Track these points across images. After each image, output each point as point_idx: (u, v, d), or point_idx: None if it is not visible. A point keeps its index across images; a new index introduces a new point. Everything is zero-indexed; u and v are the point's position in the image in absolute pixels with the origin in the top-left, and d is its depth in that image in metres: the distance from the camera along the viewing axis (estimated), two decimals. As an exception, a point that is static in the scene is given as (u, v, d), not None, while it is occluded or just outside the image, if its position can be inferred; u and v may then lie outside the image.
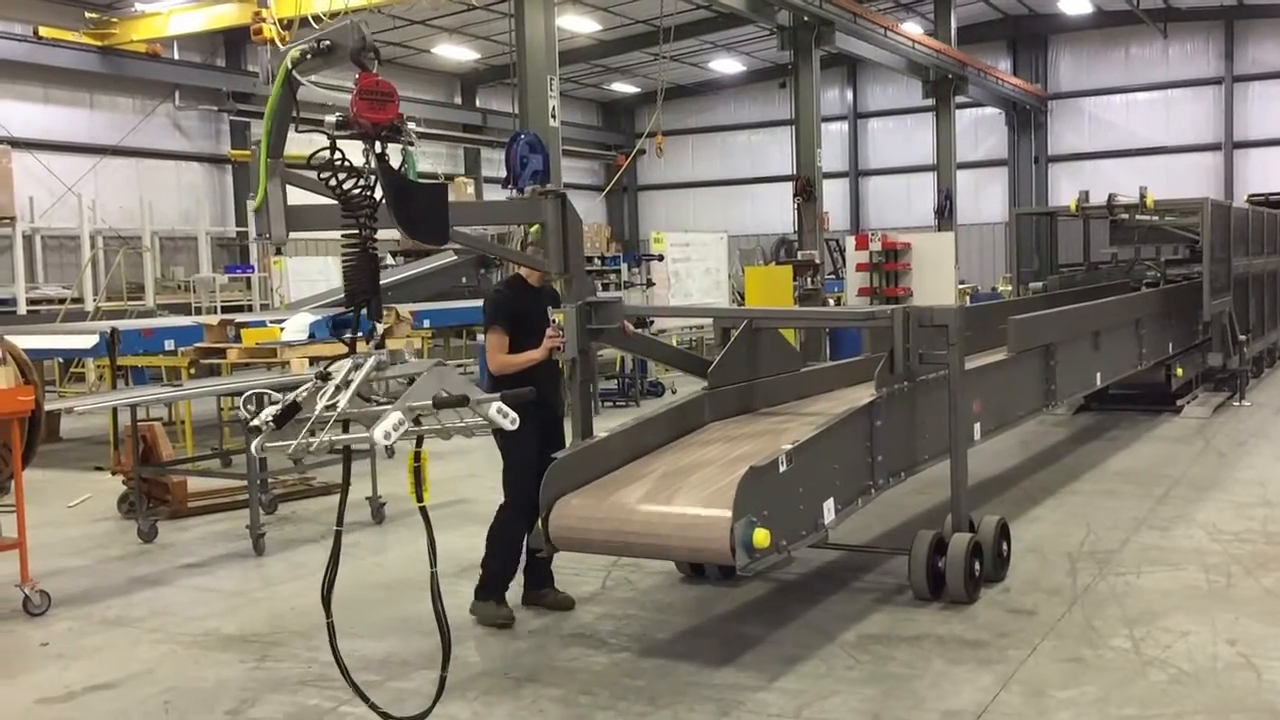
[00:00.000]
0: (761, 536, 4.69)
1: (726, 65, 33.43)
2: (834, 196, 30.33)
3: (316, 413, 3.91)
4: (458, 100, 32.13)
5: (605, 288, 21.91)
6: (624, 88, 35.39)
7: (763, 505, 4.83)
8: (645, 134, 25.49)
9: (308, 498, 9.16)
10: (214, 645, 5.80)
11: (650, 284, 17.56)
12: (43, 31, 20.66)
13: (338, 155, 4.01)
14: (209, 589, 6.89)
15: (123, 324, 12.72)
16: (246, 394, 4.25)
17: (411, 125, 4.29)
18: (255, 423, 4.04)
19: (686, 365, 7.33)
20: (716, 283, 18.37)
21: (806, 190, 21.16)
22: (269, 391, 4.12)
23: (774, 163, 33.73)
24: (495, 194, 27.85)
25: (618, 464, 5.74)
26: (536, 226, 5.95)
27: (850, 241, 21.11)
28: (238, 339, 12.33)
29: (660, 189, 37.38)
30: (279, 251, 20.20)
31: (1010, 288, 17.13)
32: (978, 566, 6.06)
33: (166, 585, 7.01)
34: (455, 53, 29.16)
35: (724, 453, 5.90)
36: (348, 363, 4.05)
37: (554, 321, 5.97)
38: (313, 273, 21.39)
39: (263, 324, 13.17)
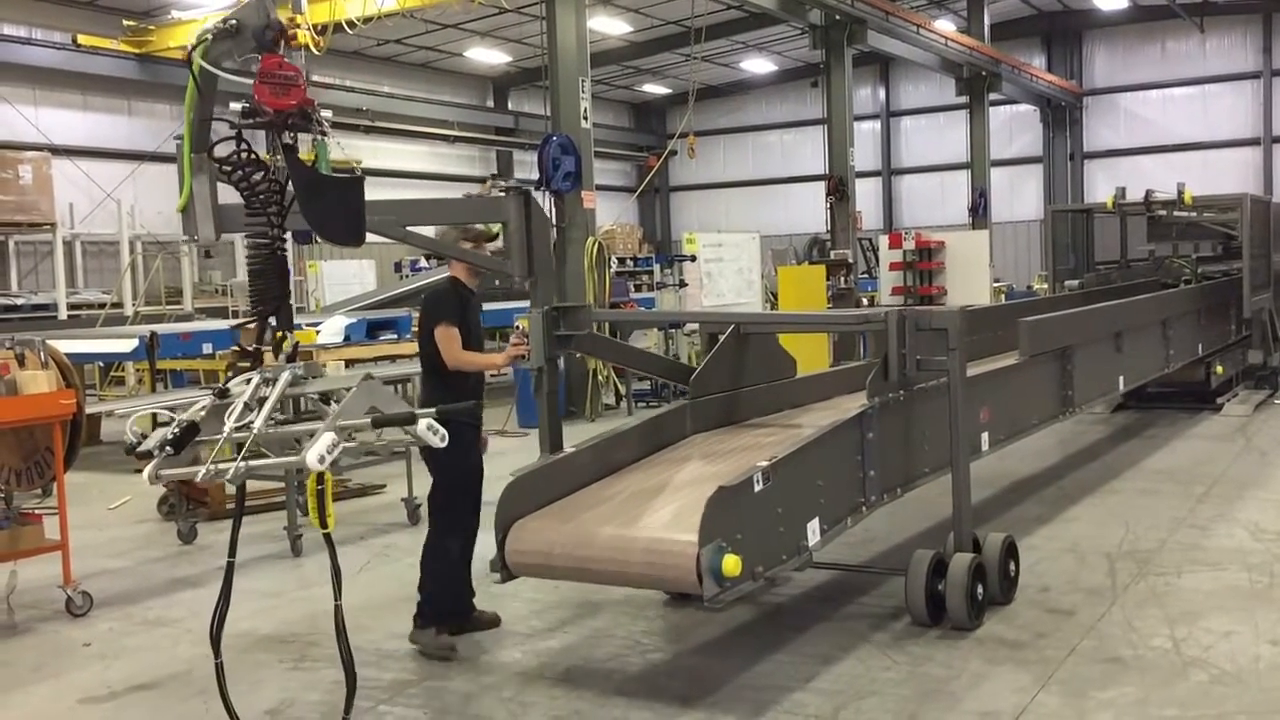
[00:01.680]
0: (732, 563, 4.29)
1: (758, 65, 33.34)
2: (867, 195, 30.18)
3: (225, 433, 3.58)
4: (490, 103, 32.23)
5: (638, 289, 21.93)
6: (655, 89, 35.38)
7: (735, 528, 4.44)
8: (677, 135, 25.45)
9: (344, 499, 9.23)
10: (252, 646, 5.85)
11: (683, 284, 17.53)
12: (81, 39, 20.90)
13: (242, 147, 3.66)
14: (247, 590, 6.93)
15: (162, 328, 12.86)
16: (135, 415, 3.96)
17: (326, 114, 3.96)
18: (146, 446, 3.70)
19: (669, 373, 6.91)
20: (749, 283, 18.31)
21: (839, 189, 21.06)
22: (161, 411, 3.88)
23: (806, 162, 33.61)
24: (528, 196, 27.91)
25: (584, 482, 5.39)
26: (499, 226, 5.62)
27: (884, 241, 21.02)
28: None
29: (692, 189, 37.34)
30: (308, 239, 20.25)
31: (1046, 286, 16.98)
32: (981, 589, 5.62)
33: (206, 586, 7.07)
34: (487, 56, 29.26)
35: (700, 470, 5.50)
36: (254, 378, 3.71)
37: (518, 328, 5.65)
38: (348, 276, 21.56)
39: (299, 327, 13.29)
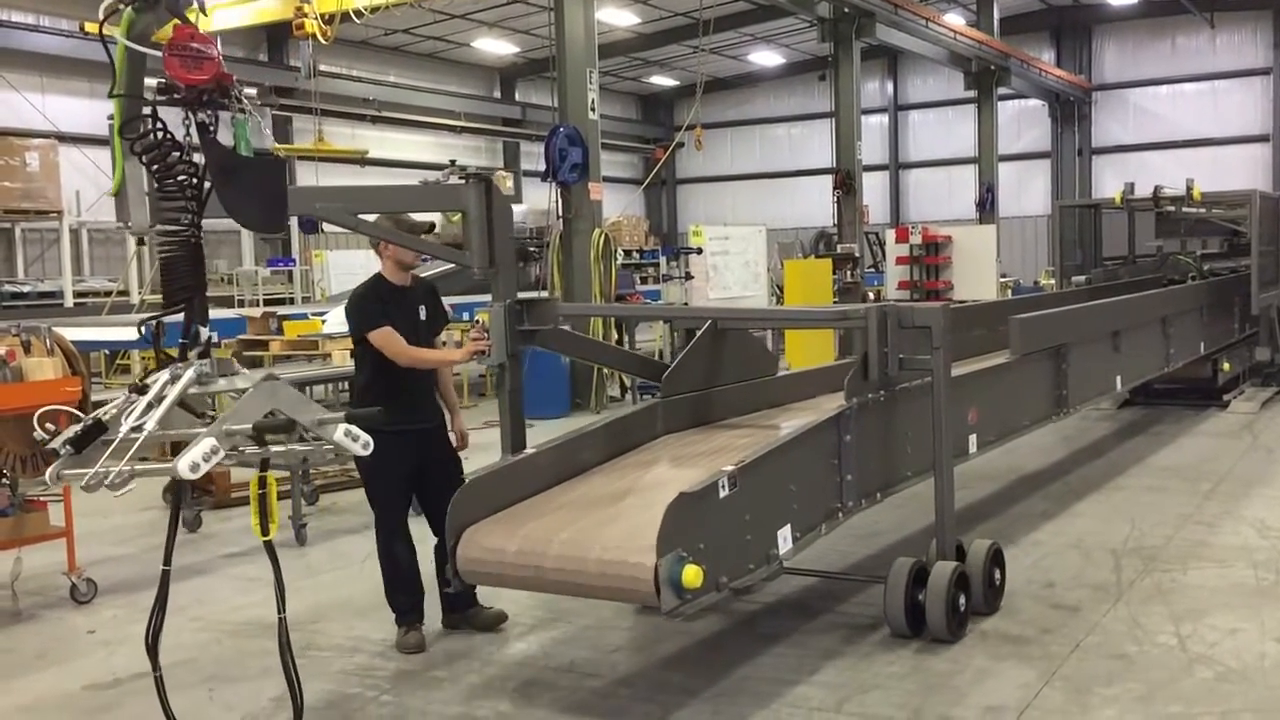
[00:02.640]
0: (692, 574, 4.06)
1: (766, 58, 33.28)
2: (874, 189, 30.13)
3: (121, 434, 3.40)
4: (497, 94, 32.22)
5: (644, 281, 21.94)
6: (663, 81, 35.33)
7: (697, 537, 4.20)
8: (684, 127, 25.42)
9: (349, 489, 9.22)
10: (257, 634, 5.85)
11: (689, 277, 17.51)
12: (88, 27, 20.88)
13: (155, 126, 3.39)
14: (252, 578, 6.95)
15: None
16: (42, 410, 3.66)
17: (250, 91, 3.74)
18: (53, 445, 3.49)
19: (641, 370, 6.57)
20: (755, 276, 18.28)
21: (846, 183, 21.04)
22: (70, 410, 3.60)
23: (813, 155, 33.54)
24: (535, 187, 27.91)
25: (544, 485, 5.13)
26: (458, 216, 5.38)
27: (890, 235, 20.99)
28: (280, 331, 12.45)
29: (699, 182, 37.30)
30: (313, 228, 20.26)
31: (1053, 281, 16.96)
32: (963, 600, 5.37)
33: (210, 574, 7.09)
34: (495, 46, 29.24)
35: (666, 473, 5.24)
36: (165, 375, 3.49)
37: (478, 322, 5.34)
38: (354, 266, 21.53)
39: (304, 316, 13.30)
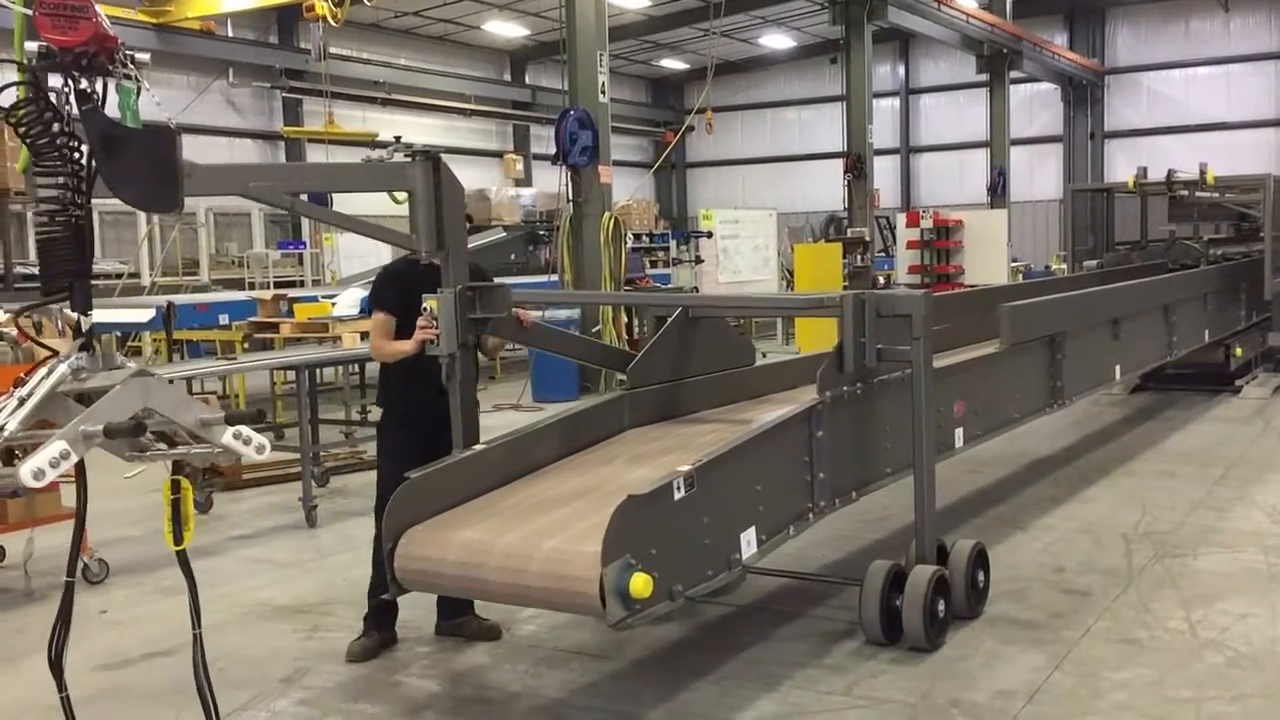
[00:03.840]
0: (641, 583, 3.79)
1: (777, 41, 33.14)
2: (885, 173, 30.01)
3: None
4: (507, 77, 32.15)
5: (653, 265, 21.91)
6: (673, 64, 35.21)
7: (648, 542, 3.92)
8: (694, 110, 25.35)
9: (359, 471, 9.25)
10: (268, 615, 5.88)
11: (699, 261, 17.49)
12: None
13: (32, 93, 3.11)
14: (262, 560, 6.98)
15: (179, 299, 12.90)
16: None
17: (143, 57, 3.43)
18: None
19: (608, 361, 6.19)
20: (765, 260, 18.26)
21: (857, 167, 20.97)
22: None
23: (824, 139, 33.44)
24: (545, 171, 27.88)
25: (493, 484, 4.84)
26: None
27: (901, 219, 20.94)
28: (290, 314, 12.47)
29: (709, 166, 37.21)
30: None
31: (1064, 266, 16.90)
32: (943, 605, 5.08)
33: (221, 556, 7.11)
34: (505, 29, 29.16)
35: (624, 472, 4.92)
36: (44, 371, 3.20)
37: (426, 309, 5.02)
38: (363, 249, 21.55)
39: (315, 299, 13.32)
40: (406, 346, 5.10)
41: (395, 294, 5.29)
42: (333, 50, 23.01)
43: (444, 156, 5.23)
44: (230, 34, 24.20)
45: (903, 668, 4.83)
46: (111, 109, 3.37)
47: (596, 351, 6.48)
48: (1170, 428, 10.30)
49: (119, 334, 16.01)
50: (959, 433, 6.01)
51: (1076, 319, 7.46)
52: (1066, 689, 4.60)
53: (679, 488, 4.10)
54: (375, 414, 12.00)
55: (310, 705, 4.72)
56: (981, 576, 5.50)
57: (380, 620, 5.25)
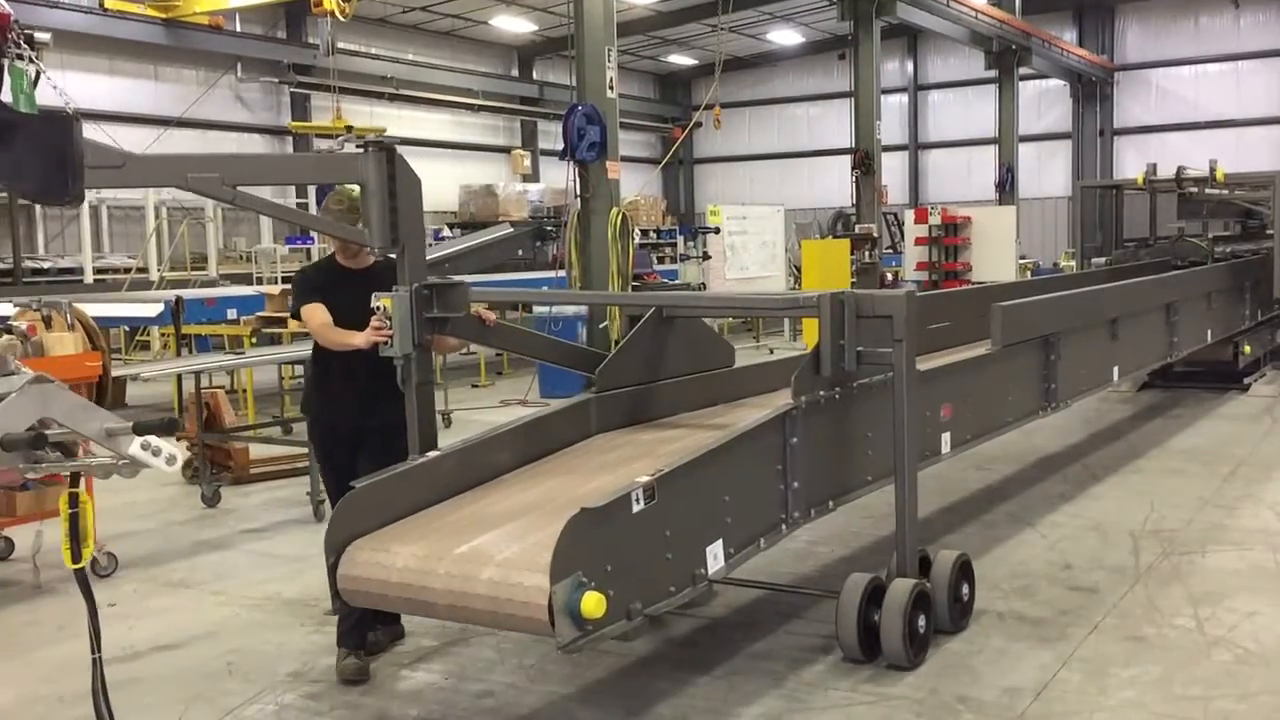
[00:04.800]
0: (593, 602, 3.58)
1: (785, 36, 33.06)
2: (893, 170, 29.95)
3: None
4: (515, 73, 32.13)
5: (661, 261, 21.90)
6: (681, 60, 35.15)
7: (602, 558, 3.72)
8: (702, 106, 25.30)
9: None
10: (275, 609, 5.89)
11: (706, 257, 17.49)
12: (108, 4, 20.89)
13: None
14: (270, 554, 7.00)
15: (187, 293, 12.92)
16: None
17: (43, 37, 3.15)
18: None
19: (577, 362, 5.85)
20: (773, 256, 18.25)
21: (865, 163, 20.90)
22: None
23: (832, 135, 33.34)
24: (553, 166, 27.89)
25: (446, 493, 4.62)
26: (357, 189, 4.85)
27: (909, 215, 20.89)
28: (298, 309, 12.48)
29: (717, 162, 37.15)
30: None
31: (1073, 263, 16.85)
32: (924, 621, 4.85)
33: (229, 549, 7.13)
34: (513, 24, 29.14)
35: (585, 481, 4.69)
36: None
37: (379, 308, 4.77)
38: (370, 244, 21.58)
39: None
40: (358, 340, 4.80)
41: (313, 286, 5.07)
42: (341, 45, 23.04)
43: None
44: (238, 29, 24.22)
45: (911, 664, 4.82)
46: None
47: (564, 352, 6.11)
48: (1178, 425, 10.27)
49: (127, 328, 16.09)
50: (946, 437, 5.77)
51: (1071, 319, 7.21)
52: (1074, 686, 4.59)
53: (638, 500, 3.88)
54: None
55: (318, 699, 4.73)
56: (966, 589, 5.26)
57: (357, 638, 4.97)
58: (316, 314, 4.97)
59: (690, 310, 6.10)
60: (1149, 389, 11.98)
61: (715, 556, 4.25)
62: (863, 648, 4.78)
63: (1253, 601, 5.51)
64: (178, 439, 9.52)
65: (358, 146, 4.84)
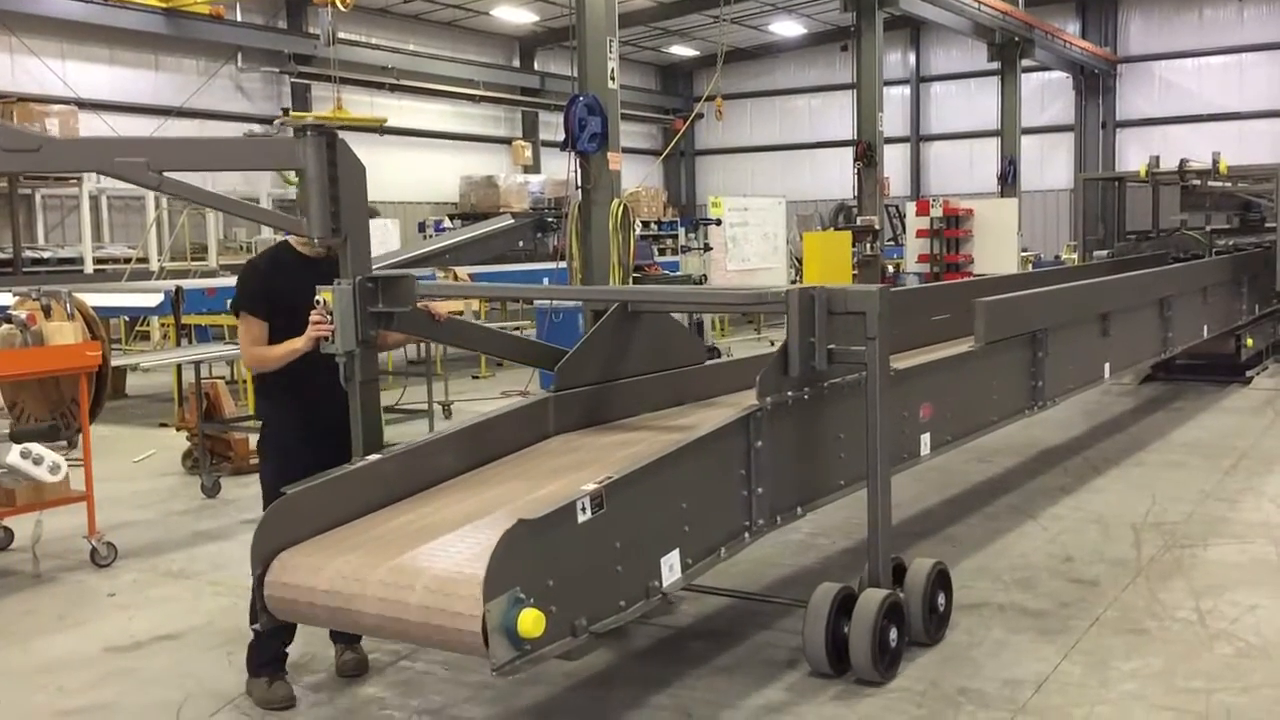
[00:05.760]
0: (531, 620, 3.35)
1: (787, 28, 32.98)
2: (895, 162, 29.89)
3: None
4: (516, 63, 32.05)
5: (662, 253, 21.87)
6: (683, 51, 35.08)
7: (544, 573, 3.49)
8: (704, 98, 25.21)
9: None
10: (275, 599, 5.88)
11: (707, 249, 17.46)
12: None
13: None
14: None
15: (187, 283, 12.90)
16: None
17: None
18: None
19: (536, 359, 5.62)
20: (774, 248, 18.22)
21: (867, 155, 20.86)
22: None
23: (834, 127, 33.32)
24: (554, 158, 27.84)
25: (386, 500, 4.35)
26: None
27: (911, 207, 20.84)
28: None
29: (718, 153, 37.09)
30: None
31: (1075, 256, 16.82)
32: (895, 634, 4.60)
33: (228, 539, 7.12)
34: (514, 15, 29.07)
35: (534, 487, 4.43)
36: None
37: (320, 302, 4.47)
38: (374, 235, 21.54)
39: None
40: (297, 344, 4.50)
41: (262, 296, 4.65)
42: (341, 35, 22.98)
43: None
44: (239, 18, 24.17)
45: (911, 655, 4.81)
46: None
47: (523, 349, 5.83)
48: (1180, 418, 10.26)
49: (127, 318, 16.08)
50: (925, 438, 5.54)
51: (1059, 315, 6.94)
52: (1075, 678, 4.58)
53: (584, 509, 3.63)
54: (383, 399, 12.01)
55: (317, 690, 4.73)
56: (942, 599, 5.01)
57: (274, 664, 4.62)
58: (248, 332, 4.61)
59: (654, 306, 5.65)
60: (1150, 382, 11.97)
61: (671, 568, 4.00)
62: (831, 661, 4.54)
63: (1254, 594, 5.50)
64: (177, 429, 9.56)
65: (296, 131, 4.57)
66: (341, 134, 4.69)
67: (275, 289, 4.63)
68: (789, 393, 4.59)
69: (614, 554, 3.77)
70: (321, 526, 4.11)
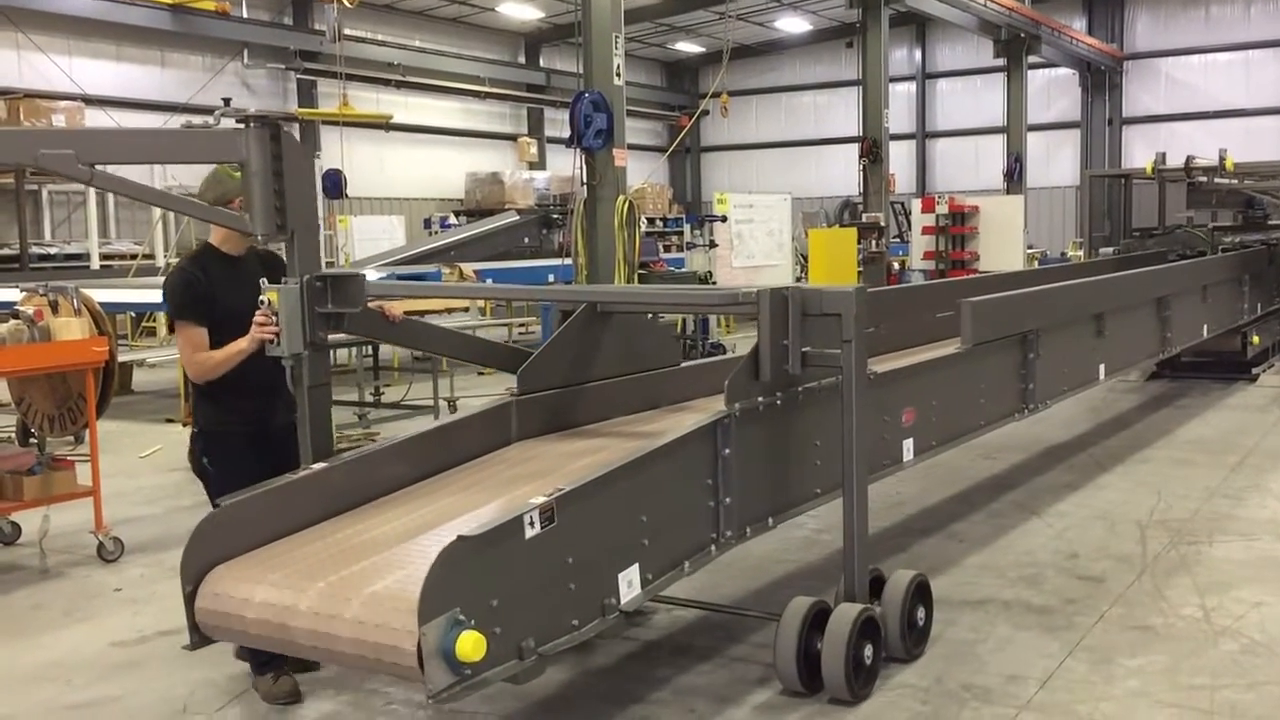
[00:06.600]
0: (471, 643, 3.15)
1: (792, 24, 32.95)
2: (900, 158, 29.83)
3: None
4: (522, 59, 32.04)
5: (667, 249, 21.85)
6: (688, 47, 35.06)
7: (486, 593, 3.29)
8: (709, 94, 25.19)
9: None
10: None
11: (713, 245, 17.45)
12: None
13: None
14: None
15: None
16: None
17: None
18: None
19: (499, 361, 5.36)
20: (780, 245, 18.21)
21: (872, 152, 20.86)
22: None
23: (839, 124, 33.27)
24: (559, 154, 27.84)
25: (332, 511, 4.13)
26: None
27: (916, 204, 20.83)
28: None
29: (724, 150, 37.07)
30: (337, 193, 20.30)
31: (1081, 253, 16.81)
32: (870, 651, 4.36)
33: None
34: (519, 11, 29.06)
35: (486, 498, 4.20)
36: None
37: (265, 302, 4.27)
38: (377, 231, 21.59)
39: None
40: (241, 345, 4.33)
41: (197, 301, 4.47)
42: (347, 32, 22.96)
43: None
44: (245, 15, 24.19)
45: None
46: None
47: (484, 350, 5.60)
48: (1186, 415, 10.25)
49: (134, 314, 16.12)
50: (908, 444, 5.32)
51: (1050, 315, 6.70)
52: (1080, 675, 4.58)
53: (532, 523, 3.42)
54: (388, 395, 11.99)
55: (324, 685, 4.73)
56: (922, 613, 4.80)
57: (279, 660, 4.48)
58: (190, 340, 4.45)
59: (624, 306, 5.39)
60: (1156, 379, 11.95)
61: (630, 584, 3.76)
62: (804, 680, 4.30)
63: (1260, 592, 5.50)
64: (183, 425, 9.58)
65: (238, 121, 4.30)
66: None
67: (208, 293, 4.47)
68: (760, 398, 4.37)
69: (566, 570, 3.56)
70: (261, 540, 3.91)
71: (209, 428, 4.66)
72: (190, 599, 3.75)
